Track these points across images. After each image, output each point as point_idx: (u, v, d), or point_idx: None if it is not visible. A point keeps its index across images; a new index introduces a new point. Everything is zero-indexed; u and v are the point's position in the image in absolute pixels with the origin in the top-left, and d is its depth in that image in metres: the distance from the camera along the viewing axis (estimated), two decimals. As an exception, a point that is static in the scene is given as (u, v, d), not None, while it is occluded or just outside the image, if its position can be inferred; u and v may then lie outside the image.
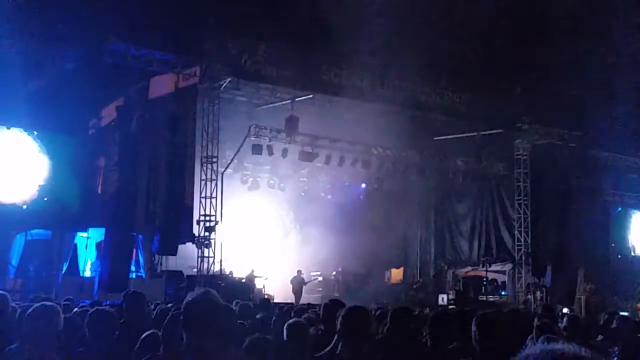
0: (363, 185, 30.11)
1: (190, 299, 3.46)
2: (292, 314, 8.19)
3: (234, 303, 9.36)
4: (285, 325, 5.71)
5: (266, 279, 24.40)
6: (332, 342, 4.39)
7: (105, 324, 5.58)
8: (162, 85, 21.27)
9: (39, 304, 4.48)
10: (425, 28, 20.02)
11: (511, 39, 22.22)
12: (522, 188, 27.53)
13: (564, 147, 26.53)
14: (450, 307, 21.39)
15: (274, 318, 8.48)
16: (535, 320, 7.02)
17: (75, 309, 8.78)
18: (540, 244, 26.88)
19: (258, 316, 9.41)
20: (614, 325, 8.07)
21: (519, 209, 27.54)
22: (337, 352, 4.32)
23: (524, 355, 1.24)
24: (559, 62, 22.55)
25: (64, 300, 11.76)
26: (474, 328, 4.98)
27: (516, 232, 27.56)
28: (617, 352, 7.01)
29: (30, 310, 4.37)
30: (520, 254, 27.28)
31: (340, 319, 4.35)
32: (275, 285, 25.10)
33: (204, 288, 3.63)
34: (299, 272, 26.12)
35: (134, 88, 21.31)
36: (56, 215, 20.33)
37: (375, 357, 4.48)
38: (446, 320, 5.52)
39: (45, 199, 20.36)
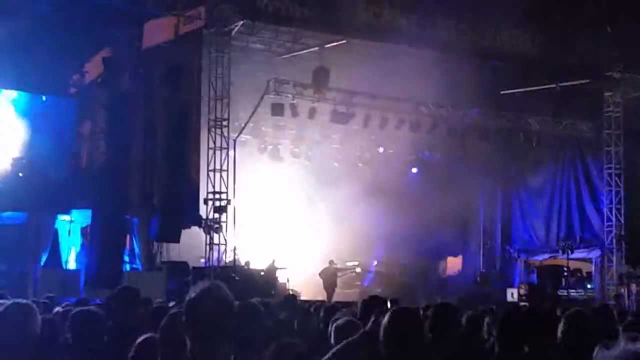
0: (412, 154, 29.93)
1: (194, 296, 3.45)
2: (322, 314, 8.20)
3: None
4: (334, 325, 5.71)
5: (291, 271, 24.54)
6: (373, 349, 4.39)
7: (92, 327, 5.64)
8: (158, 31, 21.28)
9: (10, 303, 4.52)
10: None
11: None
12: (613, 154, 27.15)
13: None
14: (522, 304, 21.29)
15: (297, 319, 8.52)
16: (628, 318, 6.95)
17: (56, 309, 8.89)
18: (636, 225, 26.55)
19: (281, 317, 9.46)
20: None
21: (610, 180, 27.20)
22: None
23: (602, 356, 1.26)
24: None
25: (43, 299, 11.94)
26: (561, 329, 4.93)
27: (606, 209, 27.26)
28: None
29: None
30: (610, 238, 27.01)
31: (384, 326, 4.32)
32: (303, 279, 25.24)
33: (211, 281, 3.63)
34: (331, 262, 26.18)
35: (124, 35, 21.35)
36: (33, 194, 20.57)
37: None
38: (518, 320, 5.47)
39: (20, 174, 20.61)
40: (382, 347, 4.33)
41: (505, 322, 5.44)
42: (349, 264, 28.04)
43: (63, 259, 22.26)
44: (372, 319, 5.44)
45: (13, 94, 21.57)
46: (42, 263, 21.13)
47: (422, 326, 4.54)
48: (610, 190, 27.17)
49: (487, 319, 6.61)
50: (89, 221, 21.63)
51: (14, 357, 4.32)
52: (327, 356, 5.39)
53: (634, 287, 24.72)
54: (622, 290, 25.06)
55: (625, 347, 1.25)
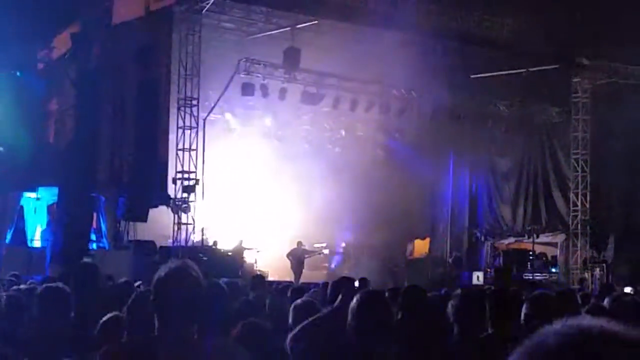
0: (381, 136, 29.99)
1: (162, 274, 3.43)
2: (291, 294, 8.24)
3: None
4: (292, 306, 5.74)
5: (258, 251, 24.59)
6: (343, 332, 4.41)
7: (59, 304, 5.60)
8: (128, 7, 21.09)
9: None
10: None
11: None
12: (580, 140, 27.40)
13: (633, 89, 26.27)
14: (487, 287, 21.51)
15: (268, 300, 8.54)
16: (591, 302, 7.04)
17: (21, 286, 8.83)
18: (601, 210, 26.85)
19: (250, 297, 9.49)
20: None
21: (577, 166, 27.46)
22: (349, 343, 4.34)
23: (544, 332, 1.27)
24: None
25: (8, 276, 11.85)
26: (525, 311, 5.00)
27: (572, 194, 27.55)
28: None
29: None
30: (576, 222, 27.31)
31: (352, 308, 4.35)
32: (270, 260, 25.26)
33: (180, 260, 3.61)
34: (300, 243, 26.19)
35: (93, 11, 21.11)
36: (-2, 170, 20.38)
37: (390, 350, 4.50)
38: (478, 301, 5.52)
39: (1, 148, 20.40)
40: (350, 329, 4.35)
41: (464, 303, 5.49)
42: (317, 245, 28.07)
43: (28, 237, 22.07)
44: (340, 297, 5.48)
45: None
46: (7, 241, 20.92)
47: (390, 309, 4.57)
48: (577, 176, 27.43)
49: (451, 302, 6.67)
50: (55, 199, 21.44)
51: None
52: (294, 331, 5.42)
53: (597, 271, 25.00)
54: (586, 274, 25.34)
55: (568, 322, 1.27)
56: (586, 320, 1.27)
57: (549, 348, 1.23)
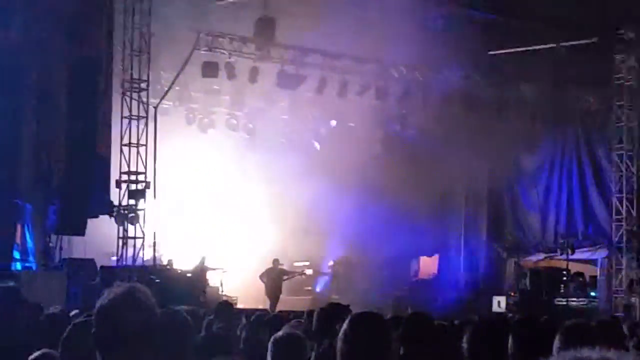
0: (378, 128, 29.99)
1: (106, 301, 3.45)
2: (266, 325, 8.25)
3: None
4: (272, 340, 5.74)
5: (224, 272, 24.59)
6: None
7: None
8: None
9: None
10: None
11: None
12: (625, 131, 27.50)
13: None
14: (510, 315, 21.59)
15: (244, 333, 8.56)
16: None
17: None
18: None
19: (214, 329, 9.50)
20: None
21: (620, 164, 27.57)
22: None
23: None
24: None
25: None
26: (557, 345, 5.03)
27: (614, 199, 27.65)
28: None
29: None
30: (620, 234, 27.40)
31: (342, 334, 4.36)
32: (239, 283, 25.30)
33: (127, 284, 3.63)
34: (276, 262, 26.18)
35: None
36: None
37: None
38: (499, 333, 5.55)
39: None
40: (341, 355, 4.37)
41: (478, 335, 5.51)
42: (298, 264, 28.12)
43: None
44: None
45: None
46: None
47: (390, 335, 4.59)
48: (621, 176, 27.52)
49: (466, 334, 6.70)
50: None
51: None
52: None
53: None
54: (634, 299, 25.44)
55: (574, 353, 1.32)
56: (587, 351, 1.29)
57: None
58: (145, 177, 21.67)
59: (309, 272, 28.34)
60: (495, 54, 26.71)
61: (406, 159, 28.78)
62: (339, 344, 4.38)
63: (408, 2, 23.32)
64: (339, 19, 24.00)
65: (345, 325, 4.41)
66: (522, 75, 27.69)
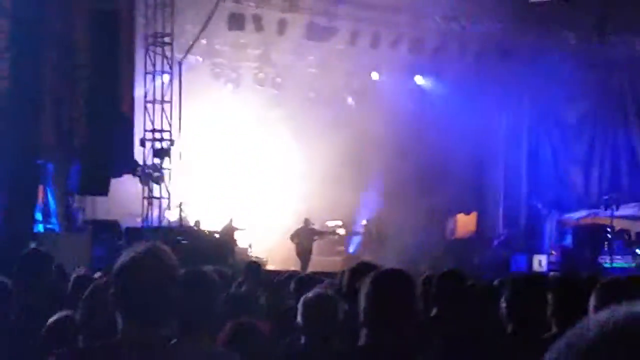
0: (412, 81, 29.86)
1: (125, 261, 3.46)
2: (295, 286, 8.24)
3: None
4: (302, 301, 5.76)
5: (254, 232, 24.65)
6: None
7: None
8: None
9: None
10: None
11: None
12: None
13: None
14: (552, 273, 21.56)
15: (265, 294, 8.58)
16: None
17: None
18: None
19: (242, 290, 9.53)
20: None
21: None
22: (360, 343, 4.37)
23: (587, 321, 1.29)
24: None
25: None
26: (594, 303, 5.00)
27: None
28: None
29: None
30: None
31: (365, 290, 4.37)
32: (270, 243, 25.40)
33: (149, 243, 3.64)
34: (307, 221, 26.29)
35: None
36: None
37: (420, 351, 4.52)
38: (539, 292, 5.53)
39: None
40: (361, 320, 4.37)
41: (519, 293, 5.50)
42: (330, 223, 28.18)
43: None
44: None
45: None
46: None
47: (414, 293, 4.57)
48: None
49: (505, 294, 6.69)
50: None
51: None
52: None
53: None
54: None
55: (619, 308, 1.28)
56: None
57: (588, 340, 1.24)
58: (171, 135, 21.75)
59: (342, 231, 28.42)
60: (535, 2, 26.40)
61: (441, 114, 28.63)
62: (362, 302, 4.37)
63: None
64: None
65: (367, 283, 4.41)
66: (565, 23, 27.37)
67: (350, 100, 29.87)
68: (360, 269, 6.45)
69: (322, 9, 25.33)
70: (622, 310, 1.29)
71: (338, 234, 28.35)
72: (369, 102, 29.33)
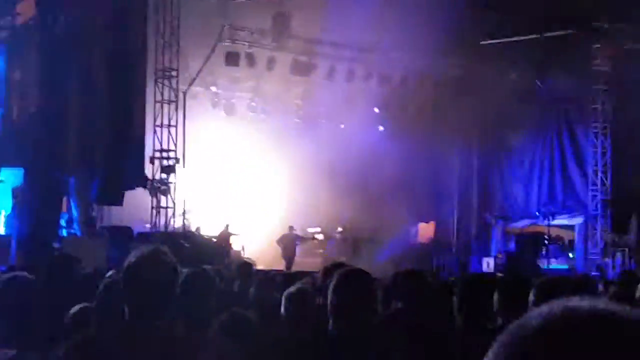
0: (377, 110, 29.85)
1: (133, 260, 3.46)
2: (279, 283, 8.25)
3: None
4: (285, 295, 5.76)
5: (246, 237, 24.59)
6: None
7: (21, 297, 5.58)
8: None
9: None
10: None
11: None
12: (600, 112, 27.39)
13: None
14: (499, 274, 21.56)
15: (252, 289, 8.57)
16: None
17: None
18: (623, 190, 26.86)
19: (235, 286, 9.52)
20: None
21: (596, 140, 27.45)
22: (329, 328, 4.38)
23: (528, 314, 1.29)
24: None
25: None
26: (531, 299, 5.03)
27: (591, 171, 27.54)
28: None
29: None
30: (595, 203, 27.33)
31: (332, 286, 4.39)
32: (259, 247, 25.33)
33: (153, 245, 3.63)
34: (291, 228, 26.30)
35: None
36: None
37: (378, 340, 4.52)
38: (486, 289, 5.54)
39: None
40: (329, 311, 4.39)
41: (469, 290, 5.50)
42: (310, 230, 28.11)
43: (-8, 223, 22.02)
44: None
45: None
46: (-32, 227, 20.90)
47: (372, 288, 4.61)
48: (596, 151, 27.41)
49: (458, 291, 6.69)
50: (20, 181, 21.34)
51: None
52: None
53: (619, 256, 25.05)
54: (607, 260, 25.41)
55: (556, 303, 1.27)
56: (576, 300, 1.26)
57: (528, 331, 1.22)
58: (176, 154, 21.71)
59: (320, 237, 28.39)
60: (487, 44, 26.54)
61: (405, 137, 28.65)
62: (329, 295, 4.41)
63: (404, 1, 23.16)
64: (346, 13, 23.92)
65: (334, 279, 4.46)
66: (510, 63, 27.50)
67: (327, 124, 29.88)
68: (332, 268, 6.47)
69: (304, 49, 25.40)
70: (558, 304, 1.29)
71: (317, 239, 28.31)
72: (344, 130, 29.37)
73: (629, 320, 1.20)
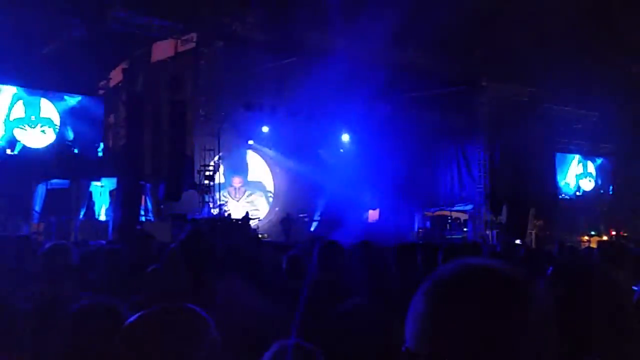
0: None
1: (183, 237, 3.44)
2: (281, 248, 8.21)
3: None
4: (285, 256, 5.72)
5: (260, 219, 24.54)
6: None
7: (116, 260, 5.56)
8: (163, 49, 20.85)
9: (51, 243, 4.42)
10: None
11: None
12: (482, 138, 27.51)
13: (519, 102, 26.41)
14: (419, 242, 21.55)
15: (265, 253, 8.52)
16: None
17: (90, 247, 8.73)
18: (498, 188, 27.03)
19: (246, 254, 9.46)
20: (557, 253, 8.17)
21: (479, 157, 27.61)
22: (316, 279, 4.38)
23: (444, 267, 1.30)
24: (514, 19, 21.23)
25: (81, 241, 11.70)
26: (440, 257, 5.03)
27: (477, 176, 27.70)
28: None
29: (44, 249, 4.31)
30: (480, 196, 27.47)
31: (316, 250, 4.39)
32: (268, 226, 25.30)
33: (194, 228, 3.61)
34: (288, 214, 26.34)
35: (138, 52, 20.88)
36: (75, 166, 20.33)
37: (345, 285, 4.51)
38: (412, 251, 5.54)
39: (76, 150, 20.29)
40: (313, 269, 4.38)
41: (402, 253, 5.51)
42: (301, 215, 28.00)
43: (96, 213, 21.84)
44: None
45: (62, 96, 21.01)
46: (80, 216, 20.72)
47: (343, 254, 4.58)
48: (480, 163, 27.59)
49: (394, 252, 6.66)
50: (114, 186, 21.23)
51: (61, 280, 4.23)
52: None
53: (496, 231, 25.24)
54: (487, 232, 25.56)
55: (457, 262, 1.27)
56: (474, 259, 1.28)
57: (444, 277, 1.24)
58: (213, 167, 21.67)
59: (306, 219, 27.92)
60: (412, 95, 26.21)
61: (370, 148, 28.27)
62: (315, 258, 4.39)
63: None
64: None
65: (317, 247, 4.45)
66: (425, 108, 27.16)
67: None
68: (313, 239, 6.44)
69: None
70: (460, 261, 1.30)
71: (305, 220, 28.15)
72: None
73: (503, 270, 1.24)
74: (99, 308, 2.42)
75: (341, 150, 29.62)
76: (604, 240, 22.64)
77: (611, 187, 31.65)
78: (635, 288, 2.75)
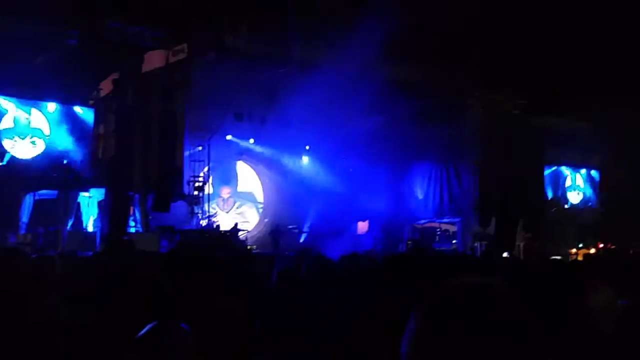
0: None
1: (173, 247, 3.43)
2: (271, 260, 8.20)
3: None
4: (276, 270, 5.69)
5: (248, 231, 24.49)
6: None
7: (102, 270, 5.49)
8: (153, 60, 20.85)
9: (37, 254, 4.37)
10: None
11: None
12: (470, 150, 27.56)
13: (509, 113, 26.53)
14: (409, 254, 21.52)
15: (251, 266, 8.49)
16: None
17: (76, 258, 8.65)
18: (486, 201, 27.08)
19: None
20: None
21: (468, 169, 27.65)
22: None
23: (438, 286, 1.34)
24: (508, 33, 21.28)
25: (68, 252, 11.60)
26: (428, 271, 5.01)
27: (466, 189, 27.72)
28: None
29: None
30: (468, 207, 27.49)
31: (304, 267, 4.39)
32: (256, 238, 25.23)
33: (182, 240, 3.59)
34: (277, 226, 26.11)
35: (128, 64, 20.83)
36: (63, 177, 20.12)
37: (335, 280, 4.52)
38: (402, 263, 5.53)
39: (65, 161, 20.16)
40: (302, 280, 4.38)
41: (392, 265, 5.50)
42: (290, 226, 27.88)
43: (84, 224, 21.67)
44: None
45: (52, 106, 20.91)
46: (68, 227, 20.55)
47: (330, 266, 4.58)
48: (469, 174, 27.61)
49: (385, 264, 6.64)
50: (103, 197, 21.09)
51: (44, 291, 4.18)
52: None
53: (484, 243, 25.27)
54: (475, 244, 25.59)
55: (450, 280, 1.31)
56: (464, 277, 1.30)
57: (438, 297, 1.30)
58: (203, 178, 21.58)
59: (296, 231, 27.81)
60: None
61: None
62: (303, 270, 4.40)
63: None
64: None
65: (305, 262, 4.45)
66: (418, 120, 27.00)
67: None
68: (303, 252, 6.42)
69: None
70: (454, 280, 1.35)
71: (294, 232, 28.02)
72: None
73: (492, 286, 1.28)
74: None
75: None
76: (590, 254, 22.68)
77: (599, 200, 31.85)
78: (620, 303, 2.75)
